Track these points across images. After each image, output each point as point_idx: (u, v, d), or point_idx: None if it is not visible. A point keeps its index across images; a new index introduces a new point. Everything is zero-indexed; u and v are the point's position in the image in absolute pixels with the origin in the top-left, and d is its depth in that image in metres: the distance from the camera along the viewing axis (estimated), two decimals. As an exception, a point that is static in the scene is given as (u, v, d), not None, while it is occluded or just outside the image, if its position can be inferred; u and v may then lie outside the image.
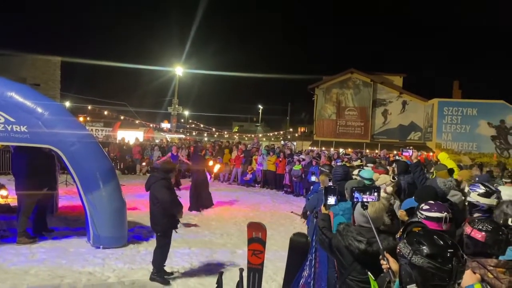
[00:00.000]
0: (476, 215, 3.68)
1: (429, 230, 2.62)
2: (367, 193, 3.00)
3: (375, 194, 3.00)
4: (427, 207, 3.16)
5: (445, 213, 3.07)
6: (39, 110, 6.95)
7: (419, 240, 1.92)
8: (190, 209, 10.84)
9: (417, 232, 2.07)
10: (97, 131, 22.12)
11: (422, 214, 3.14)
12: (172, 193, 5.91)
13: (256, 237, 4.33)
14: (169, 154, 15.73)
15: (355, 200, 3.01)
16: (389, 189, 5.30)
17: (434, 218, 3.06)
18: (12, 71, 23.90)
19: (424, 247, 1.89)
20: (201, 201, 11.31)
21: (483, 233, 2.48)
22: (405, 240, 1.99)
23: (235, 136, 39.46)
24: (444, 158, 7.58)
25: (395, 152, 24.20)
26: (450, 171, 5.41)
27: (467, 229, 2.53)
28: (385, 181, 5.52)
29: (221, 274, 3.74)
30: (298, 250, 3.63)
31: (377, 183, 5.35)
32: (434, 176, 5.57)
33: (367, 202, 2.97)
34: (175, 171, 6.48)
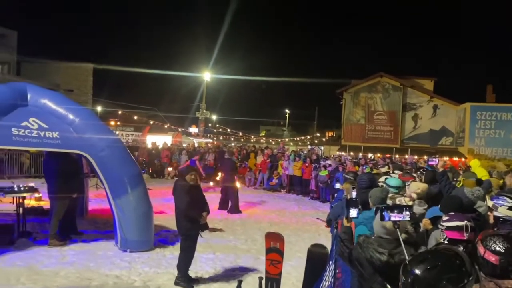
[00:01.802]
0: (505, 230, 3.51)
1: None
2: (396, 211, 2.90)
3: (406, 212, 2.90)
4: (447, 218, 3.08)
5: (466, 221, 2.97)
6: (70, 116, 7.21)
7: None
8: (219, 208, 11.58)
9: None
10: (127, 135, 22.67)
11: (443, 226, 3.06)
12: (191, 196, 5.90)
13: (274, 247, 4.33)
14: (188, 161, 16.15)
15: (384, 219, 2.91)
16: (414, 195, 5.19)
17: (455, 227, 2.97)
18: (47, 77, 24.83)
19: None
20: (227, 205, 11.53)
21: (497, 256, 2.33)
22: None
23: (262, 141, 39.51)
24: (476, 166, 7.38)
25: (425, 157, 23.71)
26: (479, 182, 5.23)
27: (480, 249, 2.42)
28: (417, 188, 5.32)
29: (240, 282, 3.76)
30: (316, 261, 3.60)
31: (409, 191, 5.21)
32: (461, 184, 5.41)
33: (398, 221, 2.87)
34: (192, 172, 6.38)
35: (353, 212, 3.88)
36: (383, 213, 2.95)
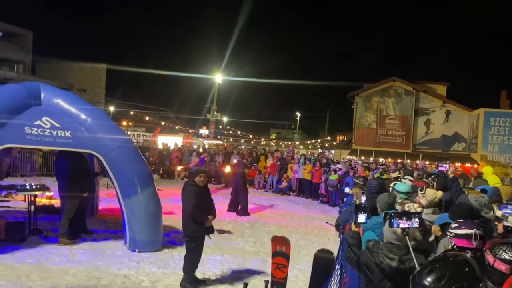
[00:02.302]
0: None
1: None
2: (404, 218, 2.88)
3: (416, 219, 2.87)
4: (456, 225, 3.03)
5: (475, 229, 2.93)
6: (83, 116, 7.29)
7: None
8: (228, 209, 11.63)
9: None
10: (138, 136, 22.83)
11: (451, 233, 3.01)
12: (199, 199, 5.88)
13: (280, 251, 4.32)
14: (198, 159, 16.25)
15: (392, 226, 2.88)
16: (424, 201, 5.13)
17: (464, 235, 2.91)
18: (61, 77, 25.16)
19: None
20: (236, 207, 11.57)
21: (507, 265, 2.29)
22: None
23: (272, 143, 39.49)
24: (488, 173, 7.28)
25: (437, 163, 23.44)
26: (483, 191, 5.16)
27: (489, 258, 2.37)
28: (435, 196, 5.23)
29: (246, 285, 3.76)
30: (322, 266, 3.58)
31: (426, 198, 5.13)
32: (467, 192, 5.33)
33: (407, 228, 2.84)
34: (202, 174, 6.40)
35: (362, 217, 3.86)
36: (392, 220, 2.92)
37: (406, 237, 2.84)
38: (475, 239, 2.87)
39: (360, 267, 3.18)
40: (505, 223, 3.60)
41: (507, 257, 2.29)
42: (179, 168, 19.17)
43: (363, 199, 5.08)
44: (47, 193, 8.79)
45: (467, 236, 2.89)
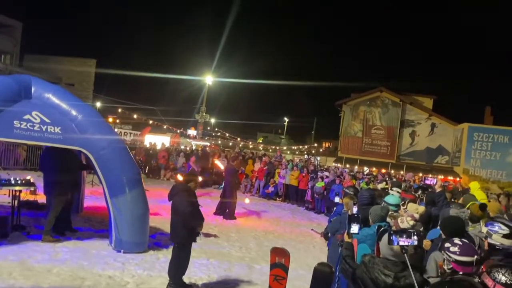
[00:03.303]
0: (497, 257, 3.45)
1: None
2: (404, 236, 2.89)
3: (414, 237, 2.88)
4: (455, 249, 2.99)
5: (476, 256, 2.93)
6: (73, 112, 7.17)
7: None
8: (215, 212, 11.58)
9: None
10: (125, 134, 22.57)
11: (450, 257, 2.98)
12: (194, 204, 5.90)
13: (279, 263, 4.29)
14: (186, 164, 16.22)
15: (393, 244, 2.89)
16: (416, 216, 5.18)
17: (465, 263, 2.90)
18: (49, 70, 24.77)
19: None
20: (224, 210, 11.53)
21: None
22: None
23: (260, 147, 39.52)
24: (475, 188, 7.39)
25: (420, 174, 23.77)
26: (482, 207, 5.21)
27: (488, 281, 2.36)
28: (416, 210, 5.33)
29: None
30: (322, 281, 3.57)
31: (407, 213, 5.19)
32: (468, 207, 5.39)
33: (406, 246, 2.86)
34: (196, 180, 6.45)
35: (355, 228, 3.88)
36: (392, 237, 2.93)
37: (405, 255, 2.85)
38: (476, 265, 2.87)
39: (355, 281, 3.19)
40: (490, 240, 3.57)
41: (508, 282, 2.30)
42: (167, 170, 19.03)
43: (355, 209, 5.10)
44: (31, 188, 8.60)
45: (468, 264, 2.88)
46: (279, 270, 4.25)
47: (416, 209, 5.08)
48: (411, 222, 4.16)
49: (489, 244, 3.58)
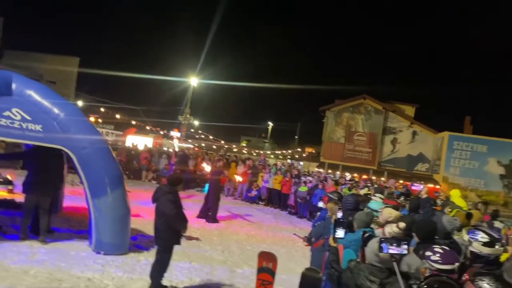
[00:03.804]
0: (479, 265, 3.50)
1: None
2: (394, 244, 2.90)
3: (404, 246, 2.89)
4: (436, 257, 3.00)
5: (456, 263, 2.95)
6: (56, 110, 7.01)
7: None
8: (198, 215, 11.42)
9: None
10: (107, 134, 22.23)
11: (432, 266, 2.99)
12: (178, 207, 5.87)
13: (267, 267, 4.25)
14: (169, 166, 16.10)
15: (383, 252, 2.89)
16: (402, 224, 5.18)
17: (447, 271, 2.93)
18: (30, 66, 24.28)
19: None
20: (207, 213, 11.45)
21: None
22: None
23: (243, 151, 39.48)
24: (456, 196, 7.48)
25: (401, 181, 24.08)
26: (468, 216, 5.28)
27: None
28: (390, 215, 5.29)
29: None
30: (310, 286, 3.55)
31: (381, 217, 5.19)
32: (452, 214, 5.45)
33: (396, 254, 2.86)
34: (182, 183, 6.46)
35: (340, 233, 3.88)
36: (382, 245, 2.93)
37: (394, 263, 2.85)
38: (457, 272, 2.89)
39: (341, 286, 3.19)
40: (470, 248, 3.60)
41: None
42: (150, 171, 18.81)
43: (339, 214, 5.11)
44: (9, 187, 8.39)
45: (450, 272, 2.91)
46: (266, 275, 4.21)
47: (390, 213, 5.07)
48: (396, 230, 4.16)
49: (470, 252, 3.62)
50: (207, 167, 15.92)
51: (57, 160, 7.52)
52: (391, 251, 2.88)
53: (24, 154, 7.82)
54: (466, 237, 3.74)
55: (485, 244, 3.43)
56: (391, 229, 3.90)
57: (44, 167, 7.27)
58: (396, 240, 2.99)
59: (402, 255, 3.07)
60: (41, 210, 7.33)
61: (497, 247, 3.41)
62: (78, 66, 27.93)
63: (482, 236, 3.48)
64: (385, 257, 3.08)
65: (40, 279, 5.74)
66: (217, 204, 11.64)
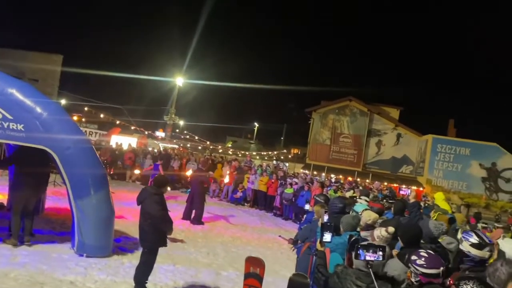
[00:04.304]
0: (466, 266, 3.60)
1: None
2: (371, 250, 2.93)
3: (380, 253, 2.92)
4: (421, 261, 3.04)
5: (441, 267, 2.99)
6: (38, 110, 6.85)
7: None
8: (183, 217, 11.32)
9: None
10: (91, 133, 21.88)
11: (417, 270, 3.03)
12: (164, 209, 5.81)
13: (254, 273, 4.21)
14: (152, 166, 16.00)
15: (360, 258, 2.93)
16: (391, 229, 5.18)
17: (432, 275, 2.98)
18: (12, 64, 23.80)
19: None
20: (191, 215, 11.38)
21: None
22: None
23: (229, 152, 39.37)
24: (440, 199, 7.56)
25: (385, 183, 24.31)
26: (451, 221, 5.34)
27: None
28: (369, 218, 5.23)
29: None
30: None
31: (362, 220, 5.14)
32: (435, 218, 5.50)
33: (372, 261, 2.89)
34: (168, 185, 6.42)
35: (327, 237, 3.87)
36: (359, 252, 2.95)
37: (370, 270, 2.87)
38: (443, 276, 2.93)
39: (328, 291, 3.18)
40: (460, 246, 3.72)
41: None
42: (136, 172, 18.58)
43: (326, 217, 5.10)
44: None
45: (435, 276, 2.95)
46: (254, 280, 4.17)
47: (369, 216, 5.05)
48: (384, 233, 4.16)
49: (459, 250, 3.73)
50: (192, 168, 15.79)
51: (43, 160, 7.33)
52: (367, 258, 2.91)
53: (12, 157, 7.60)
54: (459, 236, 3.82)
55: (473, 245, 3.54)
56: (380, 233, 3.90)
57: (31, 167, 7.11)
58: (372, 246, 3.02)
59: (379, 262, 3.09)
60: (26, 211, 7.17)
61: (485, 250, 3.52)
62: (62, 64, 27.46)
63: (474, 238, 3.59)
64: (360, 263, 3.10)
65: (21, 282, 5.61)
66: (202, 206, 11.57)
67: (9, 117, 6.56)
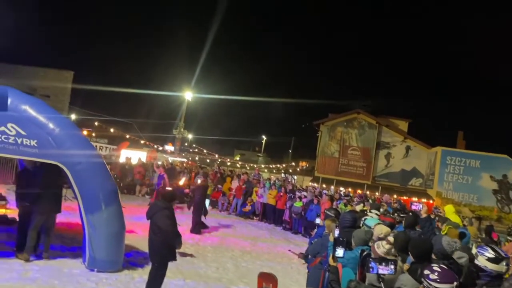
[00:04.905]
0: (482, 281, 3.57)
1: None
2: (383, 264, 2.91)
3: (392, 266, 2.91)
4: (434, 276, 3.01)
5: (455, 282, 2.97)
6: (51, 126, 6.97)
7: None
8: (191, 231, 11.52)
9: None
10: (101, 148, 22.08)
11: (430, 285, 2.99)
12: (174, 223, 5.84)
13: None
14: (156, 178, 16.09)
15: (372, 272, 2.92)
16: (391, 238, 5.15)
17: None
18: (23, 80, 24.20)
19: None
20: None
21: None
22: None
23: (237, 165, 39.41)
24: (450, 212, 7.49)
25: (395, 196, 24.11)
26: (462, 235, 5.28)
27: None
28: (381, 232, 5.22)
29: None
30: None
31: (374, 234, 5.13)
32: (445, 232, 5.44)
33: (383, 274, 2.88)
34: (176, 199, 6.45)
35: (340, 252, 3.86)
36: (371, 264, 2.94)
37: (382, 283, 2.85)
38: None
39: (341, 306, 3.16)
40: (476, 261, 3.69)
41: None
42: (144, 186, 18.68)
43: (337, 232, 5.08)
44: (3, 202, 8.28)
45: None
46: (267, 296, 4.16)
47: (381, 230, 5.04)
48: (387, 246, 4.14)
49: (475, 265, 3.70)
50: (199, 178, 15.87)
51: (60, 175, 7.42)
52: (380, 271, 2.90)
53: (32, 174, 7.66)
54: (474, 250, 3.80)
55: (490, 259, 3.51)
56: (383, 248, 3.87)
57: (51, 183, 7.22)
58: (385, 260, 3.00)
59: (390, 276, 3.07)
60: (46, 227, 7.29)
61: (501, 264, 3.49)
62: (72, 80, 27.91)
63: (489, 252, 3.56)
64: (373, 278, 3.08)
65: (33, 298, 5.64)
66: (199, 216, 11.85)
67: (23, 133, 6.67)
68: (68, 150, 6.98)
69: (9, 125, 6.59)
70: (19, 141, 6.59)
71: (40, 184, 7.24)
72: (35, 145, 6.71)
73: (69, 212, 11.03)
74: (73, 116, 29.06)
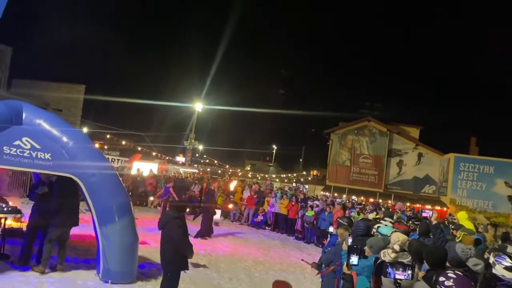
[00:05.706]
0: None
1: None
2: (400, 269, 2.89)
3: (409, 272, 2.89)
4: (450, 283, 2.97)
5: None
6: (64, 139, 7.08)
7: None
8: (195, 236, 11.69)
9: None
10: (113, 160, 22.28)
11: None
12: (185, 233, 5.89)
13: None
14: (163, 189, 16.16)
15: (389, 277, 2.90)
16: (397, 246, 5.09)
17: None
18: (37, 95, 24.64)
19: None
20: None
21: None
22: None
23: (248, 175, 39.41)
24: (463, 218, 7.41)
25: (408, 204, 23.85)
26: (477, 242, 5.21)
27: None
28: (398, 240, 5.22)
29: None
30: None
31: (391, 242, 5.12)
32: (459, 239, 5.38)
33: (400, 280, 2.86)
34: (186, 209, 6.52)
35: (354, 259, 3.85)
36: (388, 269, 2.92)
37: None
38: None
39: (356, 315, 3.14)
40: (493, 270, 3.65)
41: None
42: (151, 198, 18.81)
43: (350, 240, 5.06)
44: (18, 216, 8.38)
45: None
46: (281, 304, 4.14)
47: (398, 237, 5.00)
48: (393, 255, 4.10)
49: (492, 275, 3.65)
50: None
51: (75, 188, 7.50)
52: (397, 276, 2.87)
53: (51, 186, 7.75)
54: (492, 259, 3.76)
55: (507, 268, 3.47)
56: (387, 255, 3.84)
57: (68, 196, 7.31)
58: (402, 264, 2.98)
59: (407, 282, 3.04)
60: (62, 239, 7.37)
61: None
62: (84, 93, 28.37)
63: (506, 260, 3.52)
64: (389, 285, 3.05)
65: (48, 310, 5.68)
66: (208, 224, 12.10)
67: (37, 146, 6.78)
68: (81, 162, 7.07)
69: (24, 139, 6.71)
70: (33, 154, 6.69)
71: (56, 197, 7.33)
72: (50, 158, 6.81)
73: (83, 224, 11.06)
74: (85, 129, 29.42)
